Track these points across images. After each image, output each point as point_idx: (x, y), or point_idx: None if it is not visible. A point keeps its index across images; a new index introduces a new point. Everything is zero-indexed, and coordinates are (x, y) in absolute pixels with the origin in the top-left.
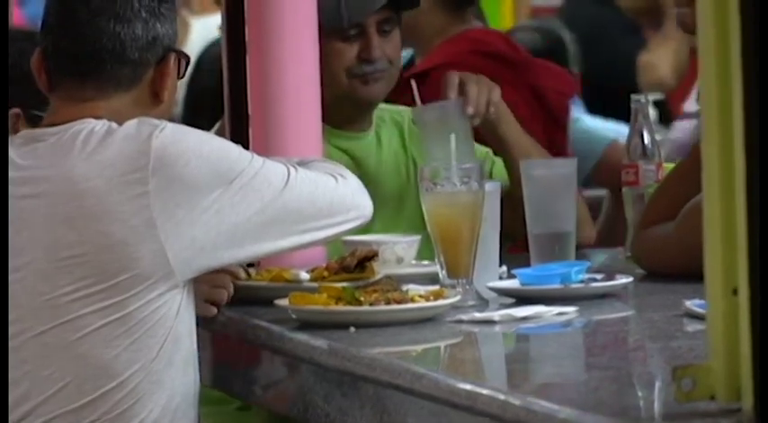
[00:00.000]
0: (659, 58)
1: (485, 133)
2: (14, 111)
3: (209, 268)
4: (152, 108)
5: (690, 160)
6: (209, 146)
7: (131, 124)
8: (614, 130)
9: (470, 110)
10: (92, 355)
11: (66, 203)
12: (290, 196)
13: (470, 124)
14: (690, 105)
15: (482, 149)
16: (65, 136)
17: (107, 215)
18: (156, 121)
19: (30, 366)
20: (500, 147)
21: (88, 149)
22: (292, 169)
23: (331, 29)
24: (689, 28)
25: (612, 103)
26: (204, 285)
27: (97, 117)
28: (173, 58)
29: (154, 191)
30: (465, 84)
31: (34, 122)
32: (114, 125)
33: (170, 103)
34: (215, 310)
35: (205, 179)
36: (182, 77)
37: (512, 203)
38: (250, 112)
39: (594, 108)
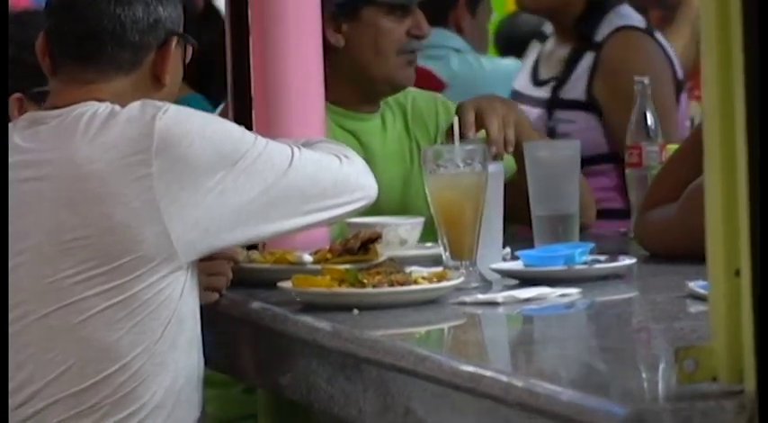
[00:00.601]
0: None
1: None
2: (15, 96)
3: (214, 249)
4: (154, 92)
5: (693, 141)
6: (212, 127)
7: (135, 106)
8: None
9: (494, 150)
10: (95, 338)
11: (70, 186)
12: (294, 177)
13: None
14: (525, 86)
15: None
16: (67, 119)
17: (110, 197)
18: (159, 103)
19: (33, 349)
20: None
21: (91, 132)
22: (296, 150)
23: (371, 9)
24: (522, 4)
25: None
26: (202, 274)
27: (99, 100)
28: (174, 41)
29: (157, 173)
30: (483, 118)
31: (37, 101)
32: (117, 107)
33: (173, 86)
34: (216, 296)
35: (209, 161)
36: (187, 62)
37: (518, 192)
38: (253, 93)
39: None
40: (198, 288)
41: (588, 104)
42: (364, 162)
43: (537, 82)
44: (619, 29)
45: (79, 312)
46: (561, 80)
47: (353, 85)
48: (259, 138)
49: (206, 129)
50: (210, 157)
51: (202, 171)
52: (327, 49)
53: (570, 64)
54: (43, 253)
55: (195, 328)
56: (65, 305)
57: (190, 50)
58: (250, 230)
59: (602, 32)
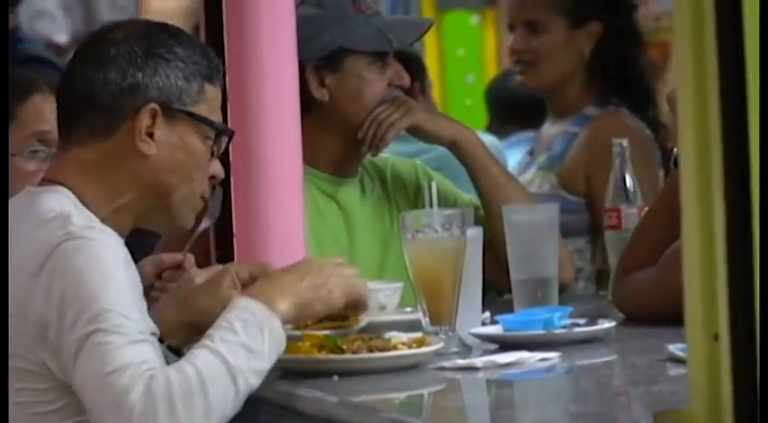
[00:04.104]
0: None
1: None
2: None
3: None
4: (134, 162)
5: (662, 204)
6: (96, 280)
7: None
8: None
9: (364, 149)
10: None
11: None
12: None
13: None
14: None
15: (466, 197)
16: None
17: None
18: (63, 233)
19: None
20: (470, 176)
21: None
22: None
23: (354, 58)
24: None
25: None
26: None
27: (61, 181)
28: (151, 109)
29: (43, 286)
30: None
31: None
32: (35, 212)
33: (169, 160)
34: None
35: (74, 307)
36: (218, 147)
37: (493, 249)
38: (231, 159)
39: None
40: None
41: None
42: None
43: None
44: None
45: None
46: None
47: (336, 143)
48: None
49: (92, 277)
50: (74, 305)
51: (63, 313)
52: (308, 107)
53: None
54: None
55: None
56: None
57: (211, 131)
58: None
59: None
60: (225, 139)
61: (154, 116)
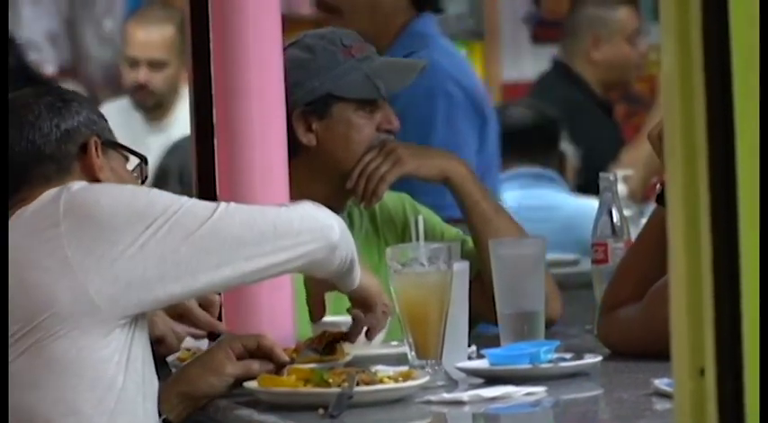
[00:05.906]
0: (634, 163)
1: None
2: None
3: (148, 304)
4: None
5: (646, 239)
6: (123, 188)
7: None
8: None
9: (356, 201)
10: (17, 399)
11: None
12: (221, 223)
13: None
14: None
15: (453, 230)
16: None
17: (23, 262)
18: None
19: None
20: (461, 210)
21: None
22: (226, 203)
23: (341, 105)
24: None
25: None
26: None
27: None
28: (93, 142)
29: (66, 231)
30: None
31: None
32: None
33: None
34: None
35: (121, 216)
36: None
37: (482, 282)
38: (218, 194)
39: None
40: (144, 361)
41: None
42: (326, 212)
43: None
44: None
45: (9, 376)
46: None
47: (324, 185)
48: (184, 197)
49: (115, 190)
50: (123, 213)
51: (115, 226)
52: (296, 151)
53: None
54: None
55: (145, 409)
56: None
57: (132, 160)
58: (181, 282)
59: None
60: (145, 168)
61: (96, 149)
